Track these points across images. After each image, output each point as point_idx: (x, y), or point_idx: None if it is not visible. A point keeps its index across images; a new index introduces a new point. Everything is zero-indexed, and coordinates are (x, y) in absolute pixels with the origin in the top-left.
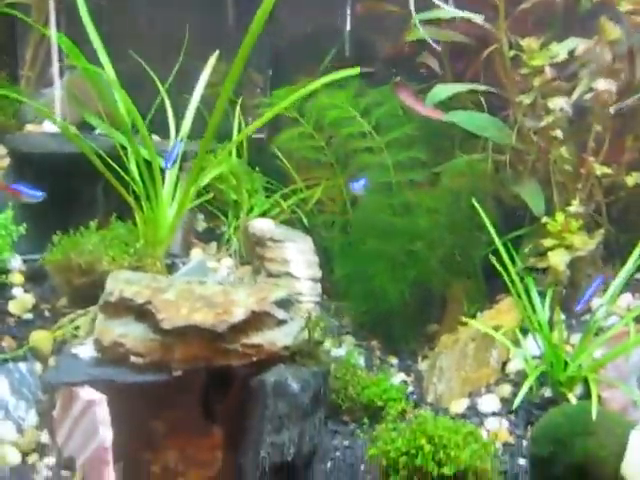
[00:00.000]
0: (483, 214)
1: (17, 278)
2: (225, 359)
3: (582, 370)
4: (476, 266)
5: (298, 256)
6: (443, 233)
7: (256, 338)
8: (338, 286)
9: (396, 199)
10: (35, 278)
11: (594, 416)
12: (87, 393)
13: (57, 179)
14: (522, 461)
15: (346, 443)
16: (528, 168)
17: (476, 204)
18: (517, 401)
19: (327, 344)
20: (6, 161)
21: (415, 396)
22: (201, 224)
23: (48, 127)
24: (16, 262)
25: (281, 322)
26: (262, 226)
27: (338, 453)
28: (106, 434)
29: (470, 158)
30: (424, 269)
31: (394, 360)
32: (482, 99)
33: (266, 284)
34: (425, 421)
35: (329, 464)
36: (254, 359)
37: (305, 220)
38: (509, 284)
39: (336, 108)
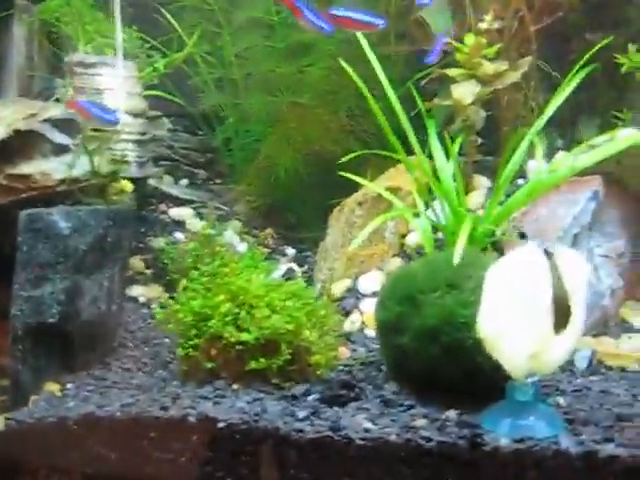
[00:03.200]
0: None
1: None
2: None
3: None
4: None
5: (114, 84)
6: (342, 85)
7: (24, 167)
8: (231, 166)
9: (281, 41)
10: None
11: (456, 260)
12: None
13: None
14: None
15: None
16: None
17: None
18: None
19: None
20: None
21: None
22: None
23: None
24: None
25: (60, 149)
26: (80, 55)
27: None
28: None
29: None
30: (321, 133)
31: (290, 250)
32: None
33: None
34: (234, 273)
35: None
36: (23, 195)
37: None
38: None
39: None
